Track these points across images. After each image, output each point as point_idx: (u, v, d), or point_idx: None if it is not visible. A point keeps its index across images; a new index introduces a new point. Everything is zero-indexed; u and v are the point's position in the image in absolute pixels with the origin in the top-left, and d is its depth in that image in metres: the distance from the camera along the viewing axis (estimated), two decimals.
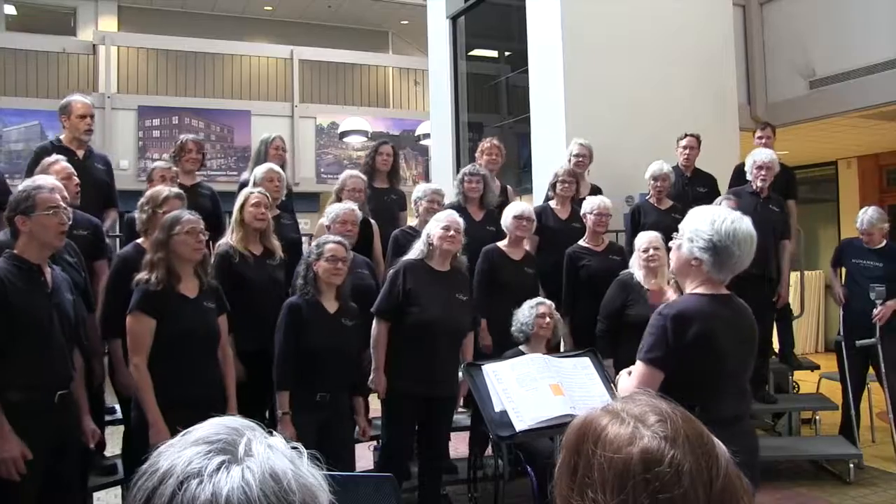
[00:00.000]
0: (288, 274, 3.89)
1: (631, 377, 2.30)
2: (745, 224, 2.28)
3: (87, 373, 3.32)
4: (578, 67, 5.93)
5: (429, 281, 3.82)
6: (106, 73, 11.46)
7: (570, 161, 5.31)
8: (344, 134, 12.21)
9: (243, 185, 4.44)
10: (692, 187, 5.46)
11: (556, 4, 5.99)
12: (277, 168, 4.51)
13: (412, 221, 4.97)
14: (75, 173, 3.77)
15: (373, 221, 4.73)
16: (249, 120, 11.78)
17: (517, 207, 4.58)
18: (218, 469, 0.69)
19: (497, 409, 3.43)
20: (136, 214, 3.73)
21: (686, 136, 5.51)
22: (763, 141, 5.69)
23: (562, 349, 4.43)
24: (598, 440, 0.88)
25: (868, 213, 5.16)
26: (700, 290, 2.31)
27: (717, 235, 2.23)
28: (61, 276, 2.95)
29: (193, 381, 3.10)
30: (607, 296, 4.29)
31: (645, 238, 4.23)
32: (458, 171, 5.53)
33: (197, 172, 4.91)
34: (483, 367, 3.60)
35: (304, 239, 4.86)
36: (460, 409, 4.43)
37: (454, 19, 7.59)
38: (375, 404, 4.08)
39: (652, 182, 5.16)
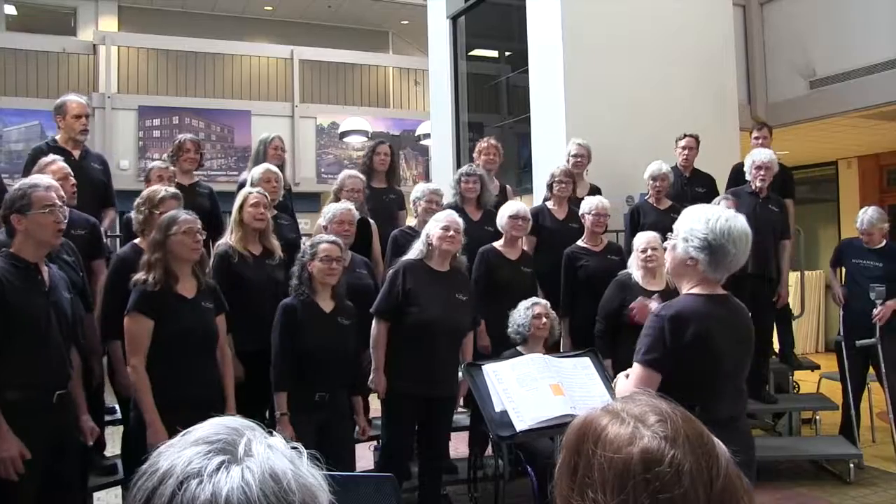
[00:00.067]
0: (287, 274, 3.89)
1: (629, 379, 2.29)
2: (739, 222, 2.27)
3: (86, 372, 3.33)
4: (578, 67, 5.93)
5: (428, 281, 3.82)
6: (106, 73, 11.46)
7: (568, 161, 5.31)
8: (344, 134, 12.21)
9: (242, 185, 4.44)
10: (691, 187, 5.47)
11: (556, 4, 5.99)
12: (275, 168, 4.50)
13: (411, 221, 4.97)
14: (72, 173, 3.76)
15: (371, 221, 4.72)
16: (249, 120, 11.78)
17: (512, 207, 4.58)
18: (218, 469, 0.69)
19: (497, 408, 3.43)
20: (133, 215, 3.72)
21: (685, 136, 5.51)
22: (760, 141, 5.69)
23: (561, 350, 4.43)
24: (599, 440, 0.88)
25: (868, 213, 5.15)
26: (696, 291, 2.30)
27: (711, 234, 2.22)
28: (58, 275, 2.95)
29: (192, 381, 3.09)
30: (606, 296, 4.29)
31: (643, 238, 4.23)
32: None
33: (195, 172, 4.90)
34: (483, 366, 3.61)
35: (303, 239, 4.86)
36: (460, 409, 4.43)
37: (454, 19, 7.59)
38: (375, 404, 4.08)
39: (651, 182, 5.16)
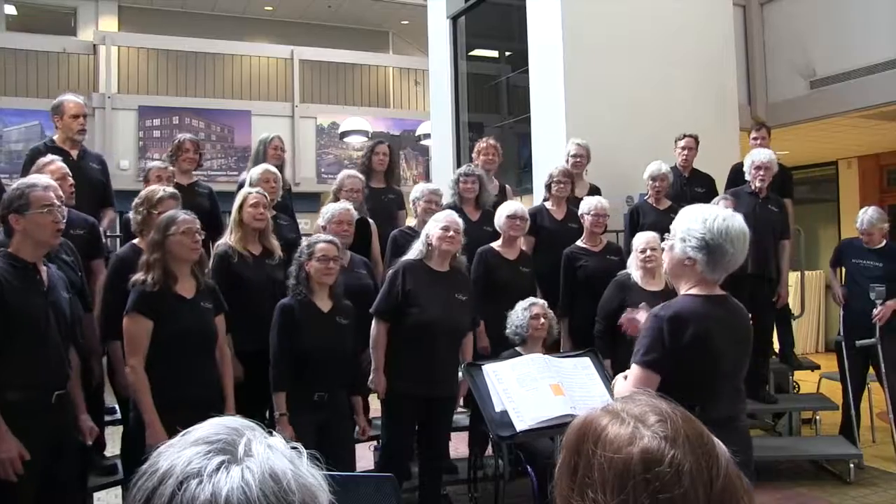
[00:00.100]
0: (287, 274, 3.89)
1: (627, 381, 2.28)
2: (737, 221, 2.26)
3: (86, 372, 3.32)
4: (579, 67, 5.93)
5: (428, 281, 3.81)
6: (106, 73, 11.47)
7: (567, 161, 5.31)
8: (344, 134, 12.21)
9: (242, 185, 4.44)
10: (690, 187, 5.47)
11: (556, 4, 5.99)
12: (273, 169, 4.50)
13: (411, 221, 4.97)
14: (70, 173, 3.75)
15: (371, 221, 4.72)
16: (250, 120, 11.78)
17: (510, 207, 4.57)
18: (217, 469, 0.69)
19: (497, 409, 3.43)
20: (131, 215, 3.71)
21: (684, 136, 5.51)
22: (759, 142, 5.70)
23: (561, 350, 4.42)
24: (599, 440, 0.88)
25: (868, 213, 5.15)
26: (695, 291, 2.29)
27: (709, 234, 2.20)
28: (57, 275, 2.94)
29: (191, 381, 3.09)
30: (605, 296, 4.28)
31: (642, 238, 4.23)
32: None
33: (194, 172, 4.90)
34: (483, 367, 3.61)
35: (303, 239, 4.86)
36: (460, 409, 4.43)
37: (454, 19, 7.59)
38: (376, 404, 4.08)
39: (650, 182, 5.16)
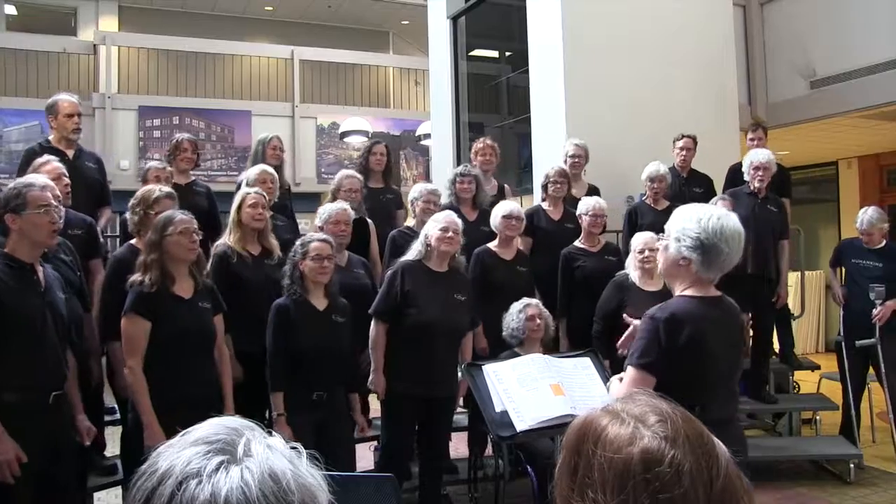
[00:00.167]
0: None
1: (622, 383, 2.26)
2: (732, 220, 2.24)
3: (84, 372, 3.31)
4: (579, 67, 5.93)
5: (427, 282, 3.81)
6: (106, 73, 11.47)
7: (565, 161, 5.30)
8: (345, 134, 12.21)
9: (241, 185, 4.44)
10: (689, 188, 5.47)
11: (556, 4, 6.00)
12: (270, 169, 4.49)
13: (410, 221, 4.97)
14: (66, 173, 3.73)
15: (369, 221, 4.72)
16: (250, 120, 11.79)
17: (505, 207, 4.56)
18: (217, 469, 0.68)
19: (498, 409, 3.43)
20: (128, 216, 3.69)
21: (682, 136, 5.51)
22: (755, 142, 5.71)
23: (559, 350, 4.42)
24: (599, 440, 0.88)
25: (868, 214, 5.15)
26: (690, 293, 2.27)
27: (704, 233, 2.18)
28: (53, 275, 2.93)
29: (190, 381, 3.09)
30: (603, 297, 4.28)
31: (641, 239, 4.22)
32: None
33: (194, 172, 4.89)
34: (483, 367, 3.60)
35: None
36: (460, 409, 4.43)
37: (455, 19, 7.60)
38: (375, 405, 4.08)
39: (648, 184, 5.15)
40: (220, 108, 11.85)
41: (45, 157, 3.82)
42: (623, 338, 2.73)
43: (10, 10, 12.76)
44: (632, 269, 4.23)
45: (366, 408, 4.18)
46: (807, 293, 7.66)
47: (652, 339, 2.20)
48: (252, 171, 4.41)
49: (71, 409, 2.94)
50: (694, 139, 5.50)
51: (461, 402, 4.32)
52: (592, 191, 5.25)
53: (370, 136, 11.64)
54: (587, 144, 5.42)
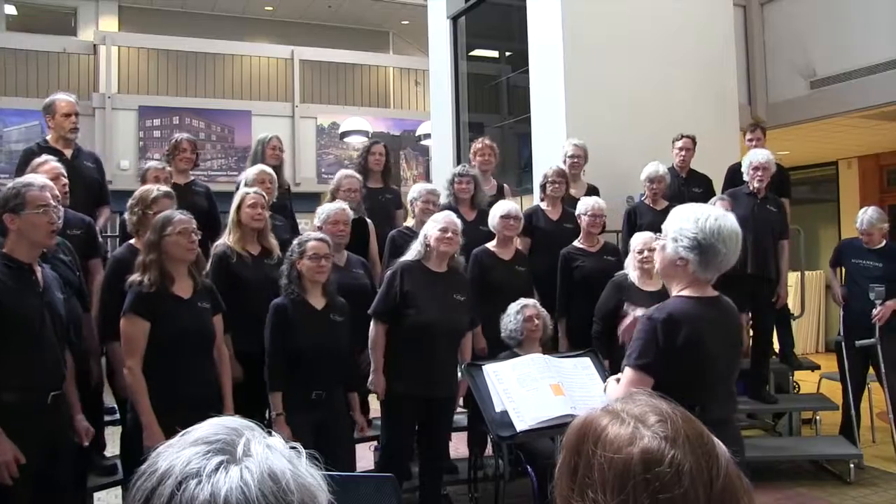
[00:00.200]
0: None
1: (620, 384, 2.26)
2: (729, 221, 2.23)
3: (83, 373, 3.31)
4: (579, 67, 5.93)
5: (426, 282, 3.81)
6: (106, 73, 11.47)
7: (564, 161, 5.30)
8: (345, 134, 12.21)
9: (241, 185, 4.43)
10: (688, 188, 5.47)
11: (556, 4, 5.99)
12: (269, 169, 4.48)
13: (410, 221, 4.97)
14: (65, 173, 3.71)
15: (368, 221, 4.72)
16: (250, 120, 11.79)
17: (503, 207, 4.55)
18: (216, 469, 0.68)
19: (498, 409, 3.43)
20: (127, 216, 3.68)
21: (681, 136, 5.51)
22: (754, 143, 5.70)
23: (558, 351, 4.42)
24: (599, 440, 0.88)
25: (868, 214, 5.15)
26: (687, 293, 2.27)
27: (701, 233, 2.18)
28: (51, 275, 2.92)
29: (190, 381, 3.09)
30: (602, 297, 4.28)
31: (640, 239, 4.22)
32: None
33: (194, 172, 4.89)
34: (483, 367, 3.60)
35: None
36: (460, 409, 4.43)
37: (455, 19, 7.59)
38: (375, 404, 4.08)
39: (647, 184, 5.15)
40: (220, 108, 11.85)
41: (44, 156, 3.81)
42: (623, 327, 2.74)
43: (10, 10, 12.76)
44: (631, 270, 4.23)
45: (366, 407, 4.18)
46: (807, 293, 7.66)
47: (650, 340, 2.20)
48: (250, 172, 4.41)
49: (69, 410, 2.93)
50: (693, 139, 5.50)
51: (461, 402, 4.33)
52: (592, 191, 5.25)
53: (370, 136, 11.64)
54: (587, 144, 5.42)
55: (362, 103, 13.02)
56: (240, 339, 3.59)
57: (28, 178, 2.91)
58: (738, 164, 5.40)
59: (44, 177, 3.04)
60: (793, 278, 7.00)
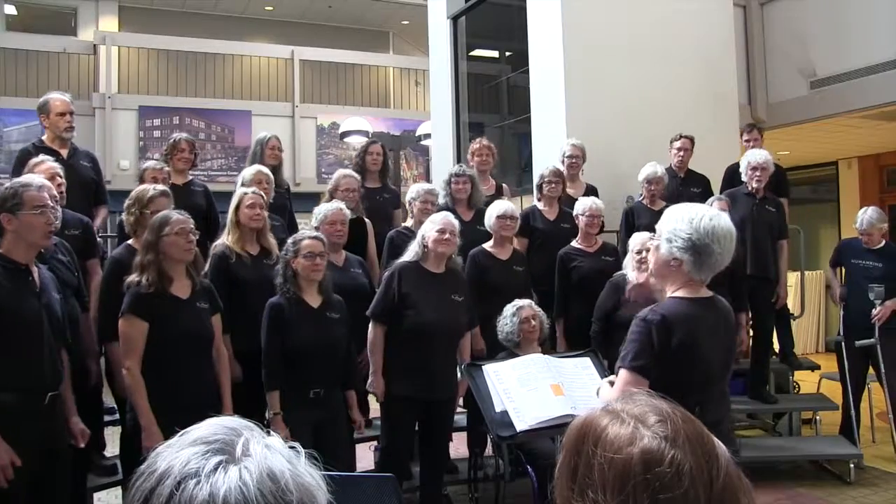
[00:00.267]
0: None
1: (614, 386, 2.24)
2: (723, 221, 2.22)
3: (82, 373, 3.30)
4: (579, 67, 5.93)
5: (424, 283, 3.80)
6: (107, 73, 11.47)
7: (563, 162, 5.30)
8: (345, 134, 12.18)
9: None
10: (686, 188, 5.46)
11: (556, 5, 5.99)
12: (266, 170, 4.48)
13: (409, 221, 4.96)
14: (61, 173, 3.70)
15: (367, 220, 4.71)
16: (250, 120, 11.79)
17: (500, 207, 4.54)
18: (215, 469, 0.68)
19: (498, 409, 3.43)
20: (124, 216, 3.67)
21: (680, 137, 5.51)
22: (751, 144, 5.70)
23: (556, 351, 4.42)
24: (599, 441, 0.88)
25: (867, 214, 5.15)
26: (681, 294, 2.25)
27: (696, 234, 2.16)
28: (48, 276, 2.90)
29: (189, 381, 3.08)
30: (601, 297, 4.27)
31: (638, 239, 4.22)
32: None
33: (193, 171, 4.88)
34: (484, 367, 3.60)
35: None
36: (460, 409, 4.43)
37: (455, 19, 7.59)
38: (375, 405, 4.07)
39: (645, 185, 5.14)
40: (220, 108, 11.85)
41: (41, 156, 3.79)
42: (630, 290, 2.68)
43: (10, 10, 12.77)
44: (629, 270, 4.22)
45: (365, 406, 4.17)
46: (807, 293, 7.66)
47: (644, 342, 2.18)
48: (247, 172, 4.40)
49: (65, 411, 2.91)
50: (691, 139, 5.50)
51: (461, 402, 4.32)
52: (590, 191, 5.24)
53: (370, 136, 11.63)
54: (587, 144, 5.41)
55: (362, 103, 13.03)
56: (238, 339, 3.58)
57: (26, 178, 2.90)
58: (737, 165, 5.40)
59: (41, 177, 3.03)
60: (793, 278, 7.00)
